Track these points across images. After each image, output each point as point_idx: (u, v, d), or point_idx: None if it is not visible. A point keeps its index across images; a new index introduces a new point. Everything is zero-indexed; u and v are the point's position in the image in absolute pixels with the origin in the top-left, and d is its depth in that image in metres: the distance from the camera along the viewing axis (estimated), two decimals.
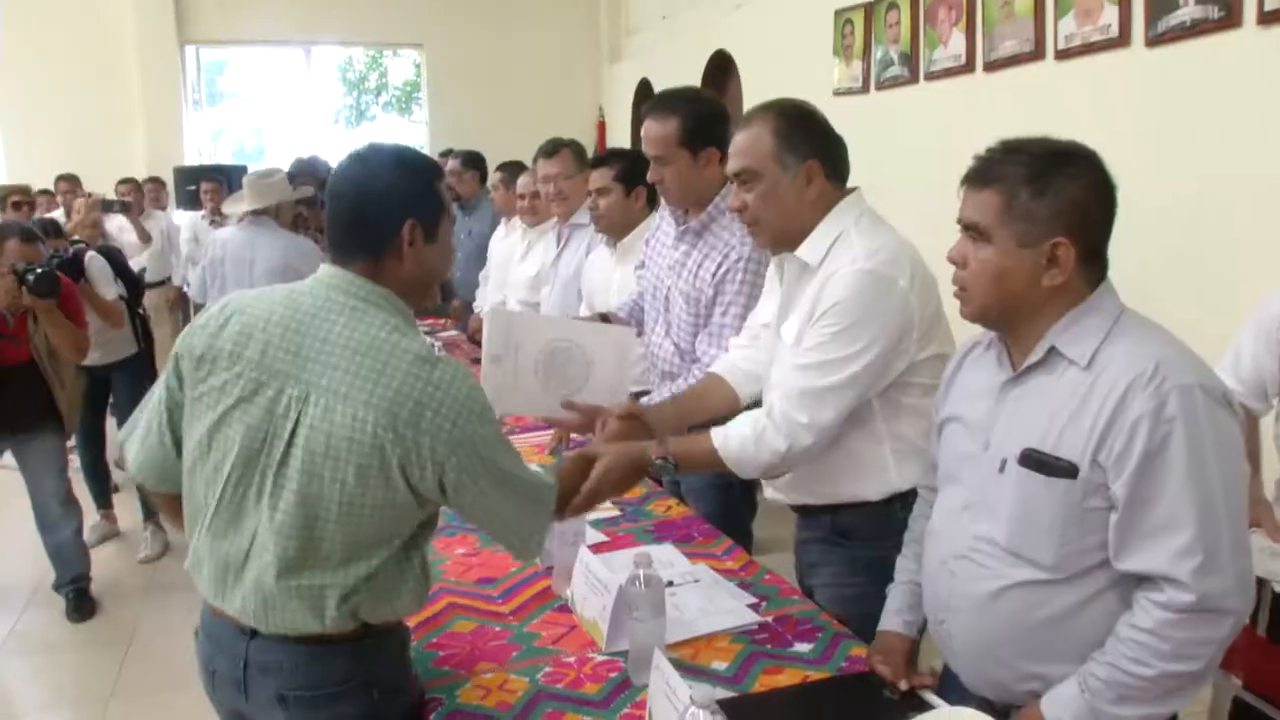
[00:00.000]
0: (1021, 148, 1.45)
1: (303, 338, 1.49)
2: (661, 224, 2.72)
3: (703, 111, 2.49)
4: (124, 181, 7.04)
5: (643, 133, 2.50)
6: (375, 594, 1.53)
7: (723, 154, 2.45)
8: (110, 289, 4.41)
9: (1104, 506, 1.39)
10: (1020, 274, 1.44)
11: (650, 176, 2.54)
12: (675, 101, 2.49)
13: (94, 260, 4.34)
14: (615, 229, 3.13)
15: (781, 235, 1.95)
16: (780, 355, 1.98)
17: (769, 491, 2.14)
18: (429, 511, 1.56)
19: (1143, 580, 1.38)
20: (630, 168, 3.02)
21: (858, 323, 1.80)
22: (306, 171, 5.34)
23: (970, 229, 1.49)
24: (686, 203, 2.56)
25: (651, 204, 3.11)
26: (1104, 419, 1.37)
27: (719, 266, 2.44)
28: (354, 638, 1.54)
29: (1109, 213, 1.44)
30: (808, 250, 1.91)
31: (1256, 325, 2.25)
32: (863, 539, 1.97)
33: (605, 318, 2.86)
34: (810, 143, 1.91)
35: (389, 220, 1.53)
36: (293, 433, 1.45)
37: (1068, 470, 1.40)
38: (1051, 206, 1.41)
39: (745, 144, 1.92)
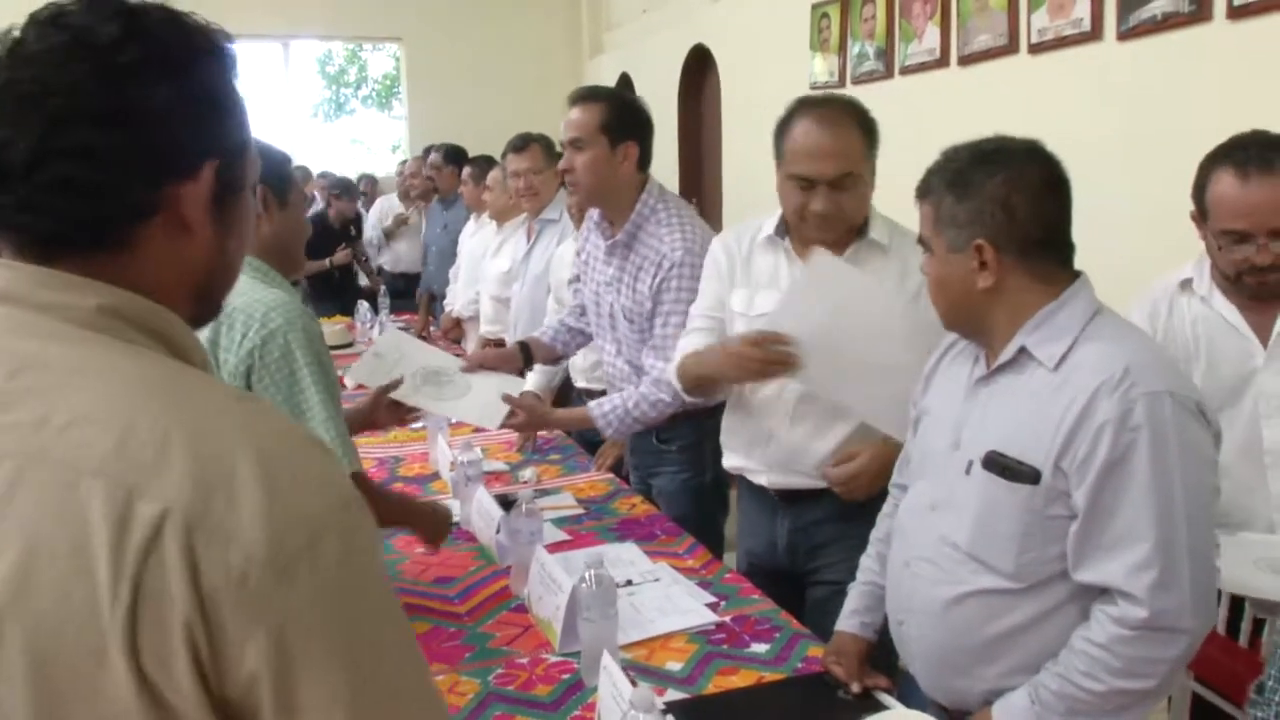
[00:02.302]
0: (954, 155, 1.45)
1: None
2: (590, 236, 2.67)
3: (626, 104, 2.49)
4: None
5: (564, 121, 2.48)
6: None
7: (642, 150, 2.45)
8: None
9: (1066, 515, 1.36)
10: (955, 280, 1.44)
11: (561, 165, 2.52)
12: (601, 90, 2.54)
13: None
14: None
15: (852, 228, 1.99)
16: None
17: (766, 479, 2.09)
18: None
19: (1101, 594, 1.35)
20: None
21: None
22: None
23: (920, 242, 1.51)
24: (595, 200, 2.52)
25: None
26: (1069, 424, 1.33)
27: (654, 278, 2.39)
28: None
29: (1044, 205, 1.40)
30: (881, 233, 1.99)
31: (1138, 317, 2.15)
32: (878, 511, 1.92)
33: (526, 346, 2.81)
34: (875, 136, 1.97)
35: None
36: None
37: (1030, 476, 1.36)
38: (970, 208, 1.40)
39: (843, 146, 1.90)
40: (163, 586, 0.63)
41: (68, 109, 0.70)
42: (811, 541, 2.08)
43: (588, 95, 2.47)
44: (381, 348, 2.56)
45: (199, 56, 0.77)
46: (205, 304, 0.84)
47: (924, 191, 1.47)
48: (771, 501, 2.12)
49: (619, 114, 2.42)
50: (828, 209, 1.91)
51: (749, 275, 2.10)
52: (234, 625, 0.64)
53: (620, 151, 2.41)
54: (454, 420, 2.83)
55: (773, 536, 2.13)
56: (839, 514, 2.01)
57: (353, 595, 0.70)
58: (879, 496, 1.89)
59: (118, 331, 0.72)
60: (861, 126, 1.92)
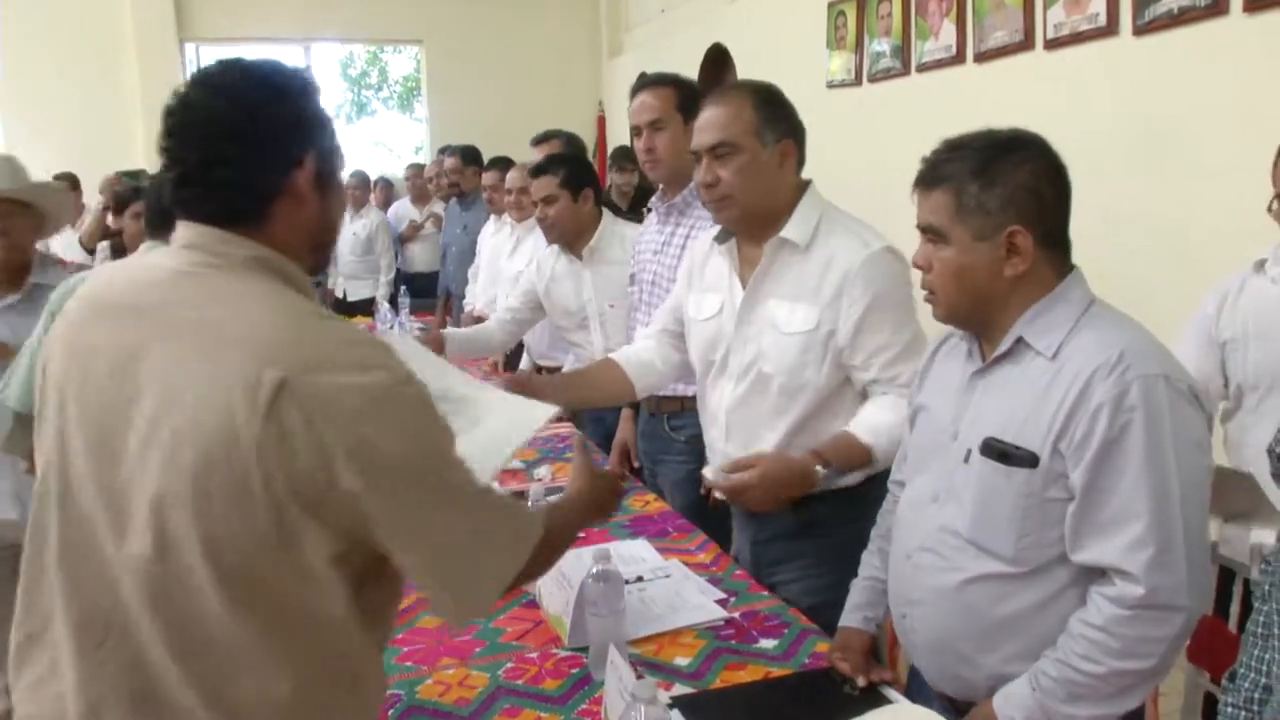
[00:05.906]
0: (964, 143, 1.44)
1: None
2: (647, 226, 2.77)
3: (691, 86, 2.63)
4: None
5: (638, 105, 2.55)
6: None
7: None
8: None
9: (1064, 498, 1.37)
10: (981, 269, 1.42)
11: (644, 145, 2.56)
12: (666, 75, 2.63)
13: None
14: (567, 236, 3.13)
15: (753, 213, 1.92)
16: (770, 336, 1.93)
17: (719, 494, 2.04)
18: None
19: (1098, 577, 1.37)
20: (573, 172, 3.08)
21: (904, 301, 1.87)
22: None
23: (928, 232, 1.47)
24: (671, 175, 2.57)
25: (599, 205, 3.14)
26: (1067, 407, 1.35)
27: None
28: None
29: (1062, 195, 1.42)
30: (795, 231, 1.91)
31: (1194, 328, 2.21)
32: (834, 524, 1.93)
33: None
34: (788, 123, 1.93)
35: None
36: None
37: (1028, 460, 1.38)
38: (1002, 196, 1.39)
39: (724, 117, 1.90)
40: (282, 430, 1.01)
41: (219, 134, 1.10)
42: (768, 556, 2.08)
43: (659, 80, 2.60)
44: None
45: (291, 93, 1.15)
46: (319, 254, 1.23)
47: (936, 180, 1.43)
48: (738, 513, 2.14)
49: (688, 92, 2.56)
50: (703, 179, 1.92)
51: (703, 279, 2.13)
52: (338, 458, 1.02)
53: (689, 128, 2.50)
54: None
55: (741, 548, 2.16)
56: (788, 532, 2.01)
57: (412, 442, 1.08)
58: (831, 518, 1.92)
59: (260, 271, 1.12)
60: (758, 108, 1.89)
